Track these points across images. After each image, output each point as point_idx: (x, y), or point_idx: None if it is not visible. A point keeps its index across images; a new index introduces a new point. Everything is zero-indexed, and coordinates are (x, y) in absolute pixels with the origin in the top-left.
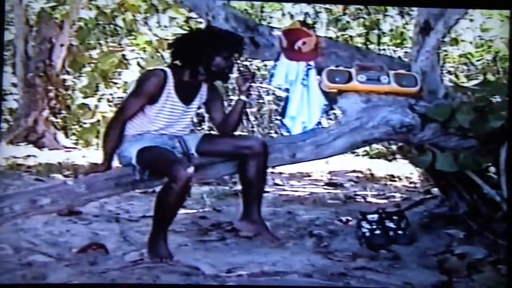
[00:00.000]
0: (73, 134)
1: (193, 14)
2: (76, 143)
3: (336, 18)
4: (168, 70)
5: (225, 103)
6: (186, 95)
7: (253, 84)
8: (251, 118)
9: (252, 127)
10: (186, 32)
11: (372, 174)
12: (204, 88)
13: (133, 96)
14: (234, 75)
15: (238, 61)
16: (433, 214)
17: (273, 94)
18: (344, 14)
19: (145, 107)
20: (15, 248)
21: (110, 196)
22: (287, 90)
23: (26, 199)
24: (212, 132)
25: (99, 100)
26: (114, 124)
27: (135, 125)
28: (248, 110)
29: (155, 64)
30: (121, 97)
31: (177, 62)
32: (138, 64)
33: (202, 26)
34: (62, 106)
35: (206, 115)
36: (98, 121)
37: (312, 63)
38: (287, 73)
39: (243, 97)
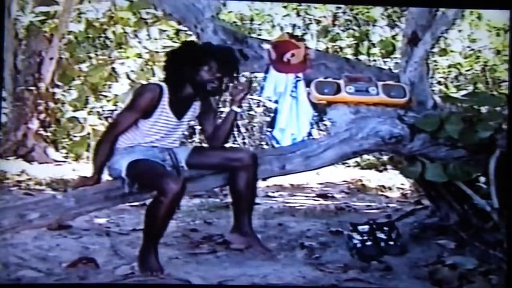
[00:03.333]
0: (63, 147)
1: (183, 27)
2: (66, 157)
3: (326, 29)
4: (164, 85)
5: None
6: (179, 109)
7: (248, 95)
8: (242, 130)
9: (243, 139)
10: (174, 47)
11: (363, 185)
12: (197, 103)
13: (128, 110)
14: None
15: (237, 74)
16: (424, 224)
17: (263, 106)
18: (334, 25)
19: (138, 121)
20: (4, 264)
21: (100, 210)
22: (276, 102)
23: (14, 214)
24: (203, 145)
25: (89, 113)
26: (106, 138)
27: (127, 138)
28: (239, 122)
29: (145, 77)
30: (111, 110)
31: (170, 77)
32: (128, 77)
33: (192, 38)
34: (52, 120)
35: (197, 128)
36: (88, 134)
37: (301, 75)
38: (276, 85)
39: (235, 108)
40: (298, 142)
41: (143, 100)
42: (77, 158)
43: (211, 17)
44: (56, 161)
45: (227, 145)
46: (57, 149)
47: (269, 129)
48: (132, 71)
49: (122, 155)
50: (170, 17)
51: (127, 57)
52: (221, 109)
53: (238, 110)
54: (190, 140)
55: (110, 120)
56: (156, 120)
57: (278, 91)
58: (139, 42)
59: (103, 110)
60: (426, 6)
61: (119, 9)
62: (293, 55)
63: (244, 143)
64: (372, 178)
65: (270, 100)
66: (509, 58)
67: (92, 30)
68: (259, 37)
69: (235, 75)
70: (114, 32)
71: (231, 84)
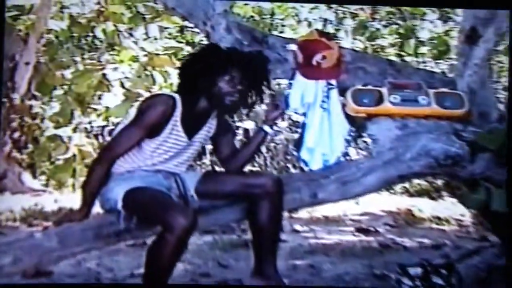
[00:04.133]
0: (43, 173)
1: (188, 24)
2: (46, 185)
3: (364, 24)
4: (177, 97)
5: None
6: (191, 127)
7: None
8: (263, 149)
9: (265, 160)
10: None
11: (413, 216)
12: (213, 120)
13: (133, 127)
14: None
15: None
16: (491, 266)
17: (288, 120)
18: (373, 19)
19: (143, 140)
20: None
21: (89, 251)
22: (304, 115)
23: None
24: (216, 169)
25: (74, 130)
26: (102, 161)
27: (125, 160)
28: None
29: (143, 86)
30: (102, 127)
31: (184, 90)
32: (122, 85)
33: (200, 37)
34: (29, 139)
35: (208, 147)
36: (74, 156)
37: (334, 81)
38: (303, 94)
39: (267, 128)
40: (331, 164)
41: (153, 116)
42: (60, 186)
43: (224, 12)
44: (33, 190)
45: (245, 169)
46: (34, 175)
47: (296, 149)
48: (126, 78)
49: (118, 182)
50: (173, 12)
51: (121, 61)
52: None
53: (270, 131)
54: (199, 163)
55: (101, 138)
56: (164, 140)
57: (306, 102)
58: (135, 43)
59: (92, 127)
60: (426, 6)
61: (110, 2)
62: (324, 57)
63: (265, 166)
64: (424, 208)
65: (296, 113)
66: (509, 58)
67: (77, 28)
68: (282, 35)
69: (264, 88)
70: (104, 31)
71: (259, 99)
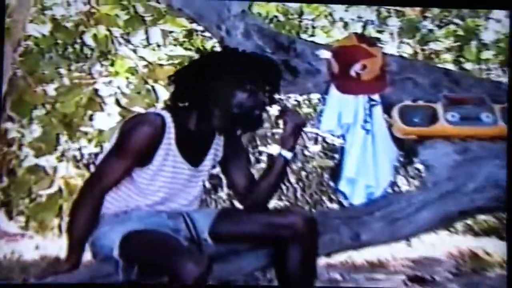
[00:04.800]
0: (21, 213)
1: (198, 27)
2: (25, 227)
3: (413, 25)
4: (167, 115)
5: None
6: (193, 151)
7: (302, 134)
8: (292, 180)
9: (294, 194)
10: (194, 58)
11: (479, 261)
12: (219, 140)
13: (114, 156)
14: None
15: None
16: None
17: (323, 143)
18: (424, 18)
19: (133, 170)
20: None
21: None
22: (342, 137)
23: None
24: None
25: (60, 159)
26: (87, 198)
27: (119, 198)
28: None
29: (143, 103)
30: (94, 154)
31: (181, 103)
32: (118, 103)
33: (212, 42)
34: (3, 171)
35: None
36: (60, 191)
37: (377, 96)
38: (340, 112)
39: (285, 153)
40: (377, 198)
41: (136, 141)
42: (43, 229)
43: (241, 13)
44: (9, 234)
45: (270, 204)
46: (11, 216)
47: (333, 179)
48: (123, 93)
49: (112, 225)
50: (179, 13)
51: (116, 73)
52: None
53: (289, 155)
54: (214, 197)
55: (93, 168)
56: (159, 168)
57: (344, 122)
58: (134, 51)
59: (82, 154)
60: (426, 6)
61: (103, 2)
62: (364, 67)
63: (295, 200)
64: (492, 250)
65: (332, 135)
66: (509, 58)
67: (62, 33)
68: (313, 39)
69: (275, 99)
70: (95, 36)
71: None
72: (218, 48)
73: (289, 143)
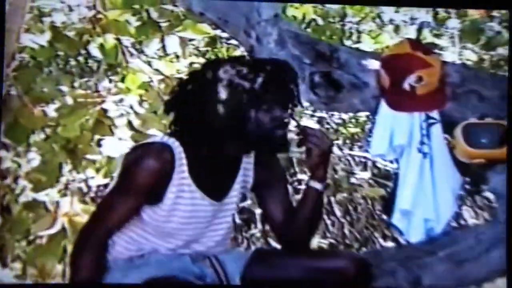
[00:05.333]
0: (17, 258)
1: (224, 34)
2: (22, 275)
3: (478, 27)
4: (175, 144)
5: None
6: (214, 182)
7: (330, 159)
8: (338, 213)
9: (341, 230)
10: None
11: None
12: (247, 163)
13: (117, 193)
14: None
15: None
16: None
17: (374, 168)
18: (491, 18)
19: (142, 209)
20: None
21: None
22: (396, 162)
23: None
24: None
25: (62, 192)
26: (90, 241)
27: (132, 240)
28: (331, 199)
29: (160, 124)
30: (103, 186)
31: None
32: (130, 125)
33: (240, 52)
34: None
35: (257, 212)
36: (63, 231)
37: (435, 113)
38: (392, 133)
39: (315, 184)
40: (439, 234)
41: (140, 178)
42: (44, 276)
43: (274, 17)
44: (3, 286)
45: (313, 243)
46: (5, 263)
47: (386, 212)
48: (136, 114)
49: (126, 271)
50: (200, 18)
51: (128, 90)
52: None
53: (319, 186)
54: (246, 235)
55: (98, 204)
56: (172, 208)
57: (397, 144)
58: (148, 63)
59: (89, 187)
60: (425, 6)
61: (110, 6)
62: (420, 78)
63: (342, 237)
64: None
65: (384, 160)
66: (509, 59)
67: (63, 44)
68: (358, 47)
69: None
70: (102, 47)
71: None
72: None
73: (317, 173)
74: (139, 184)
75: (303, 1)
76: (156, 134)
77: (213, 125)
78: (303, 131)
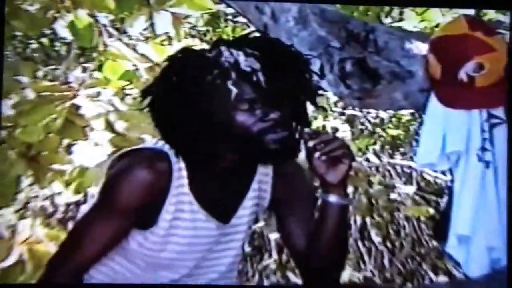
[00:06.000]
0: None
1: (228, 9)
2: None
3: None
4: (170, 153)
5: None
6: (220, 198)
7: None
8: (374, 238)
9: (380, 259)
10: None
11: None
12: (264, 175)
13: (98, 214)
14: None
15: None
16: None
17: (421, 181)
18: None
19: (130, 235)
20: None
21: None
22: (450, 173)
23: None
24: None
25: (21, 214)
26: (61, 276)
27: (113, 274)
28: (367, 221)
29: (148, 126)
30: (74, 205)
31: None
32: (110, 126)
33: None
34: None
35: (272, 237)
36: (21, 263)
37: (500, 111)
38: (445, 136)
39: (333, 198)
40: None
41: (129, 194)
42: None
43: None
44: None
45: (343, 276)
46: None
47: (437, 237)
48: (117, 112)
49: None
50: None
51: (106, 81)
52: None
53: (333, 199)
54: (257, 266)
55: (72, 229)
56: (168, 232)
57: (450, 151)
58: (133, 47)
59: (55, 206)
60: (425, 6)
61: None
62: (481, 66)
63: (381, 268)
64: None
65: (434, 171)
66: (508, 59)
67: (23, 21)
68: (401, 25)
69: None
70: (73, 25)
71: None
72: None
73: (337, 188)
74: (126, 202)
75: (303, 1)
76: (144, 138)
77: (204, 126)
78: (314, 134)
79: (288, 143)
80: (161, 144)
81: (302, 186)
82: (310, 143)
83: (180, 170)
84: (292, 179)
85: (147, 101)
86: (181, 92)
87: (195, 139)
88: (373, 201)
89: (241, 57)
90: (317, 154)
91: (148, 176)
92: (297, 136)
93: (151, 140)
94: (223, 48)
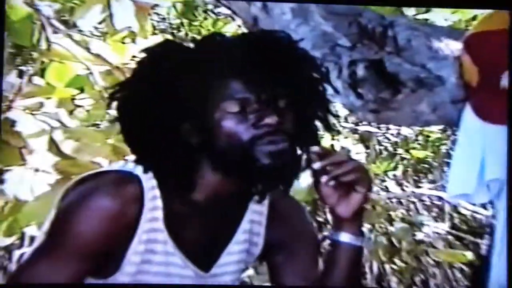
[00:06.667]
0: None
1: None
2: None
3: None
4: (146, 174)
5: None
6: (200, 240)
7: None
8: (394, 285)
9: None
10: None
11: None
12: (257, 213)
13: (46, 259)
14: None
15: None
16: None
17: (455, 216)
18: None
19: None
20: None
21: None
22: (490, 206)
23: None
24: None
25: None
26: None
27: None
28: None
29: (104, 147)
30: (7, 250)
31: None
32: (55, 146)
33: (235, 27)
34: None
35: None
36: None
37: None
38: (484, 160)
39: (344, 237)
40: None
41: (87, 231)
42: None
43: None
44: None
45: None
46: None
47: (476, 286)
48: (65, 129)
49: None
50: None
51: (50, 89)
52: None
53: (345, 239)
54: None
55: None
56: (135, 277)
57: (491, 178)
58: (85, 45)
59: None
60: (424, 6)
61: None
62: None
63: None
64: None
65: (471, 203)
66: (509, 59)
67: None
68: (427, 18)
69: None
70: (5, 17)
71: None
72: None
73: (349, 223)
74: (83, 241)
75: (303, 1)
76: (99, 162)
77: (186, 136)
78: (323, 152)
79: (286, 158)
80: (131, 167)
81: (302, 228)
82: (317, 165)
83: (154, 199)
84: (290, 219)
85: (114, 105)
86: (160, 94)
87: (174, 155)
88: (395, 242)
89: (237, 52)
90: (325, 179)
91: (112, 204)
92: (298, 151)
93: (110, 164)
94: (215, 41)
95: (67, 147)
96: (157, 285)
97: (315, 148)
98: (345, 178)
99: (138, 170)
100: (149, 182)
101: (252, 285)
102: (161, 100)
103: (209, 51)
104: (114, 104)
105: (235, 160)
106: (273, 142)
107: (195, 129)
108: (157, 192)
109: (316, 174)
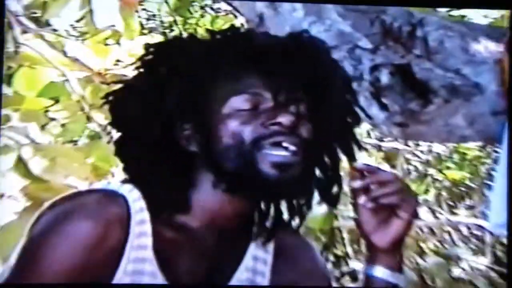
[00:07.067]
0: None
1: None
2: None
3: None
4: (134, 194)
5: None
6: (195, 275)
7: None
8: None
9: None
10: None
11: None
12: (261, 251)
13: None
14: None
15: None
16: None
17: (498, 248)
18: None
19: None
20: None
21: None
22: None
23: None
24: None
25: None
26: None
27: None
28: None
29: (82, 165)
30: None
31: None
32: (24, 166)
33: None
34: None
35: None
36: None
37: None
38: None
39: (379, 271)
40: None
41: (65, 257)
42: None
43: None
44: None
45: None
46: None
47: None
48: (36, 146)
49: None
50: None
51: (19, 99)
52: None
53: (380, 274)
54: None
55: None
56: None
57: None
58: (60, 47)
59: None
60: (424, 6)
61: None
62: None
63: None
64: None
65: None
66: (509, 58)
67: None
68: (464, 15)
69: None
70: None
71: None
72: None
73: (387, 255)
74: (58, 274)
75: (303, 1)
76: (75, 185)
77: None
78: (361, 169)
79: (295, 169)
80: (118, 186)
81: (312, 267)
82: (357, 183)
83: (142, 223)
84: (299, 258)
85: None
86: (161, 93)
87: (168, 167)
88: (427, 280)
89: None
90: (363, 200)
91: (92, 228)
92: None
93: (89, 186)
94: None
95: (38, 167)
96: (157, 285)
97: (356, 164)
98: (387, 200)
99: (124, 189)
100: (136, 203)
101: (252, 285)
102: (161, 100)
103: (228, 43)
104: (108, 106)
105: (234, 166)
106: (278, 144)
107: (194, 131)
108: (146, 215)
109: (355, 194)
